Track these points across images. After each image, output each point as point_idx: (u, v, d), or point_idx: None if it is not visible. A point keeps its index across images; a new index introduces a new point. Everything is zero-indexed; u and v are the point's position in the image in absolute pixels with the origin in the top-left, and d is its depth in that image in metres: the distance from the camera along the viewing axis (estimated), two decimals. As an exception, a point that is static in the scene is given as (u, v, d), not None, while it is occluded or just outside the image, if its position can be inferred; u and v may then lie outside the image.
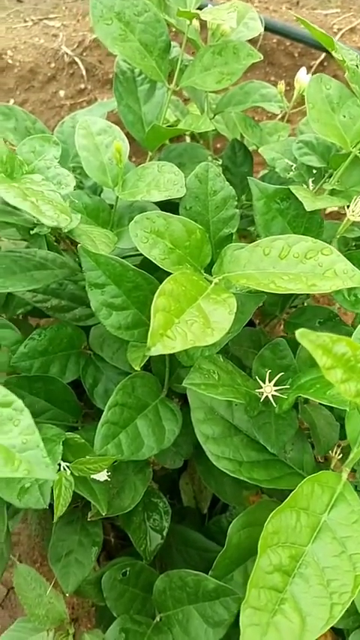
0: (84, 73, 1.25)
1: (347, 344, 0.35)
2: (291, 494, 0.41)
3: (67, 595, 0.62)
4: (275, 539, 0.39)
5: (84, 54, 1.26)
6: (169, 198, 0.61)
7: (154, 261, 0.53)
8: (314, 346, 0.34)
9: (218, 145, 1.21)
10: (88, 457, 0.54)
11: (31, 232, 0.64)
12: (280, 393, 0.51)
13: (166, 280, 0.47)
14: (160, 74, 0.72)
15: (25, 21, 1.42)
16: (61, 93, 1.25)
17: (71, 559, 0.63)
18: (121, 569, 0.63)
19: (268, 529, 0.39)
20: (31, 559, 0.88)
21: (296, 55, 1.28)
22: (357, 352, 0.35)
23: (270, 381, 0.51)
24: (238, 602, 0.55)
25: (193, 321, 0.46)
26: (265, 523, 0.39)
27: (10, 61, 1.23)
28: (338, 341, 0.35)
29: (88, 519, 0.62)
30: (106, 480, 0.60)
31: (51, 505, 0.64)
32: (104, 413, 0.57)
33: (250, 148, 0.83)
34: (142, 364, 0.62)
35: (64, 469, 0.54)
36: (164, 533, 0.67)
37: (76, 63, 1.25)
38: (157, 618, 0.61)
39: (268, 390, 0.51)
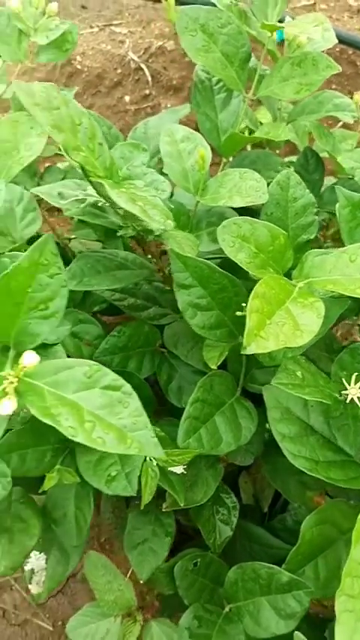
0: (149, 79, 1.28)
1: None
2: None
3: (141, 582, 0.65)
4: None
5: (149, 60, 1.30)
6: (251, 204, 0.63)
7: (240, 265, 0.55)
8: None
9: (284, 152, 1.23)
10: (172, 449, 0.57)
11: (117, 234, 0.67)
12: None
13: (258, 283, 0.49)
14: (239, 84, 0.74)
15: (91, 27, 1.47)
16: (127, 98, 1.28)
17: (146, 547, 0.66)
18: (192, 560, 0.66)
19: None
20: (102, 546, 0.92)
21: (358, 63, 1.29)
22: None
23: (355, 384, 0.53)
24: (309, 595, 0.57)
25: (283, 323, 0.48)
26: (359, 517, 0.41)
27: (78, 67, 1.28)
28: None
29: (163, 510, 0.65)
30: (182, 473, 0.62)
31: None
32: (187, 408, 0.59)
33: (321, 155, 0.84)
34: (219, 363, 0.65)
35: (150, 460, 0.57)
36: (233, 527, 0.69)
37: (142, 69, 1.29)
38: (227, 609, 0.63)
39: (354, 392, 0.52)
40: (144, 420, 0.46)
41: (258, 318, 0.47)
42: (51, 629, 0.93)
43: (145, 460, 0.57)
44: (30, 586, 0.64)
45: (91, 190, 0.65)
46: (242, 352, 0.46)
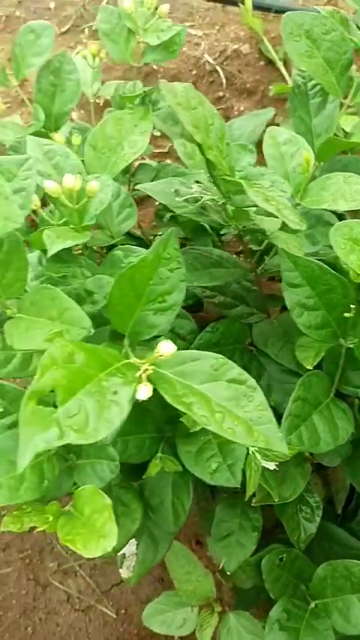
0: (224, 81, 1.30)
1: None
2: None
3: (228, 573, 0.67)
4: None
5: (224, 63, 1.31)
6: (356, 208, 0.64)
7: (350, 266, 0.57)
8: None
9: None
10: (275, 445, 0.58)
11: (221, 232, 0.69)
12: None
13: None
14: (338, 90, 0.75)
15: (163, 29, 1.49)
16: (200, 99, 1.30)
17: (232, 540, 0.68)
18: (279, 555, 0.67)
19: None
20: (185, 537, 0.93)
21: None
22: None
23: None
24: None
25: None
26: None
27: (154, 67, 1.30)
28: None
29: (253, 504, 0.66)
30: (275, 470, 0.64)
31: (211, 488, 0.69)
32: (289, 405, 0.60)
33: None
34: (315, 364, 0.66)
35: (253, 454, 0.58)
36: (316, 526, 0.70)
37: (217, 71, 1.30)
38: (312, 605, 0.64)
39: None
40: (269, 415, 0.47)
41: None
42: (114, 616, 0.95)
43: (247, 453, 0.58)
44: (121, 570, 0.66)
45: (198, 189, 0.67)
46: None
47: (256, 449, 0.59)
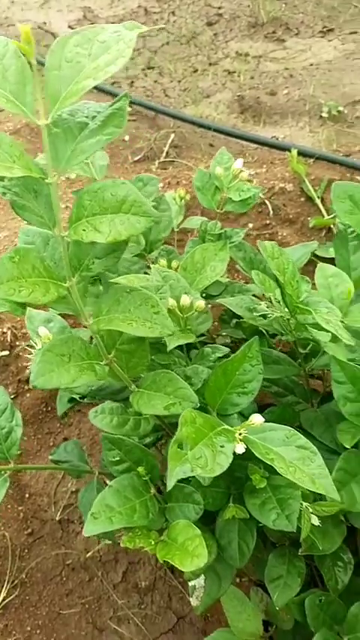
0: (270, 212, 1.58)
1: None
2: None
3: (278, 608, 0.83)
4: None
5: (272, 198, 1.60)
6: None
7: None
8: None
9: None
10: (323, 502, 0.77)
11: (282, 337, 0.91)
12: None
13: None
14: (373, 237, 1.00)
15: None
16: (250, 225, 1.58)
17: (281, 582, 0.85)
18: (318, 597, 0.84)
19: None
20: (240, 581, 1.09)
21: None
22: None
23: None
24: None
25: None
26: None
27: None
28: None
29: (300, 553, 0.84)
30: (319, 526, 0.82)
31: (264, 537, 0.87)
32: (334, 473, 0.80)
33: None
34: (353, 444, 0.86)
35: (306, 507, 0.77)
36: (348, 577, 0.87)
37: (265, 204, 1.59)
38: (346, 638, 0.80)
39: None
40: (326, 472, 0.68)
41: None
42: (163, 661, 1.09)
43: (302, 507, 0.77)
44: (191, 599, 0.83)
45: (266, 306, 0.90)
46: None
47: (308, 506, 0.78)
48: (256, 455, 0.66)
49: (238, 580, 1.10)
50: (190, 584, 0.84)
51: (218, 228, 1.06)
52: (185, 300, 0.79)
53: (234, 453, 0.66)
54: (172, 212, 1.16)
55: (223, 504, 0.83)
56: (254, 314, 0.87)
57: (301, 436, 0.69)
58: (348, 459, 0.83)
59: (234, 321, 1.10)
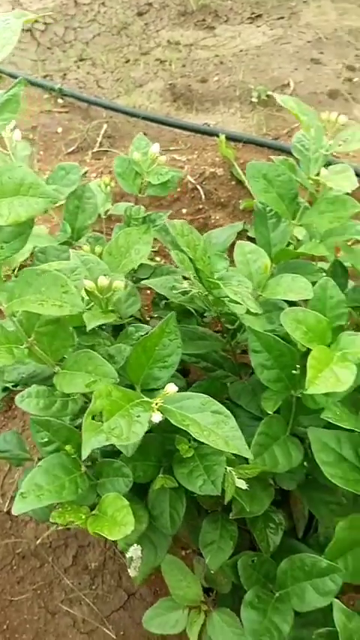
0: (203, 197, 1.61)
1: None
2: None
3: (212, 572, 0.87)
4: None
5: (204, 183, 1.64)
6: (300, 298, 0.91)
7: (296, 339, 0.82)
8: None
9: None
10: (245, 465, 0.81)
11: (204, 315, 0.94)
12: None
13: (314, 350, 0.76)
14: (288, 214, 1.04)
15: (154, 152, 1.83)
16: (184, 210, 1.61)
17: (215, 547, 0.88)
18: (251, 558, 0.88)
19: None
20: (176, 550, 1.12)
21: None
22: None
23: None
24: (342, 577, 0.79)
25: (329, 376, 0.74)
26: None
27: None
28: None
29: (231, 517, 0.88)
30: (247, 490, 0.86)
31: (198, 506, 0.91)
32: (255, 437, 0.84)
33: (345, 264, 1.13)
34: (274, 410, 0.90)
35: (230, 472, 0.81)
36: (279, 538, 0.91)
37: (197, 189, 1.62)
38: (277, 594, 0.85)
39: (375, 425, 0.78)
40: (239, 434, 0.71)
41: (313, 372, 0.73)
42: (114, 637, 1.11)
43: (226, 472, 0.81)
44: (129, 570, 0.86)
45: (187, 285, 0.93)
46: (304, 392, 0.72)
47: (232, 470, 0.81)
48: (172, 422, 0.70)
49: (183, 553, 1.14)
50: (128, 555, 0.86)
51: (142, 213, 1.08)
52: (103, 281, 0.81)
53: (165, 428, 0.69)
54: (97, 199, 1.18)
55: (154, 476, 0.87)
56: (174, 292, 0.90)
57: (216, 402, 0.73)
58: (269, 423, 0.87)
59: (163, 302, 1.12)
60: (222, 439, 0.69)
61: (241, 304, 0.80)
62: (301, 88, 2.12)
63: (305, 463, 0.92)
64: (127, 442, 0.64)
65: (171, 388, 0.71)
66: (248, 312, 0.94)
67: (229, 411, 0.72)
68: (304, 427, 0.89)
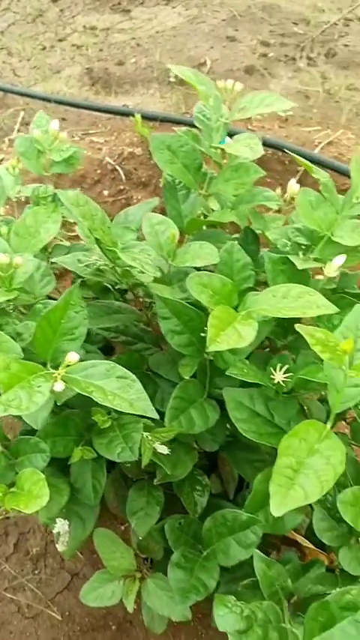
0: (123, 177, 1.61)
1: (324, 334, 0.65)
2: (295, 427, 0.69)
3: (141, 538, 0.88)
4: (287, 451, 0.67)
5: (123, 163, 1.63)
6: (207, 264, 0.92)
7: (202, 302, 0.84)
8: (310, 336, 0.65)
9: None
10: (160, 428, 0.82)
11: (116, 287, 0.95)
12: (285, 380, 0.81)
13: (215, 309, 0.77)
14: (195, 184, 1.05)
15: (73, 137, 1.82)
16: (105, 192, 1.61)
17: (142, 513, 0.90)
18: (178, 520, 0.89)
19: (283, 445, 0.67)
20: (108, 523, 1.12)
21: (286, 162, 1.66)
22: (331, 338, 0.65)
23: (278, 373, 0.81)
24: (263, 528, 0.81)
25: (232, 334, 0.76)
26: (281, 441, 0.67)
27: (66, 169, 1.60)
28: (320, 331, 0.65)
29: (155, 483, 0.89)
30: (168, 455, 0.87)
31: (125, 477, 0.91)
32: (170, 401, 0.85)
33: (257, 232, 1.15)
34: (191, 374, 0.92)
35: (147, 437, 0.82)
36: (206, 500, 0.93)
37: (117, 170, 1.62)
38: (204, 553, 0.86)
39: (279, 377, 0.80)
40: (144, 396, 0.72)
41: (215, 330, 0.75)
42: (60, 618, 1.12)
43: (142, 437, 0.82)
44: (57, 545, 0.86)
45: (95, 258, 0.93)
46: (206, 350, 0.74)
47: (148, 435, 0.83)
48: (77, 390, 0.70)
49: (122, 528, 1.15)
50: (55, 531, 0.87)
51: (49, 192, 1.07)
52: (2, 258, 0.81)
53: (88, 403, 0.70)
54: (6, 182, 1.16)
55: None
56: (79, 265, 0.90)
57: (121, 368, 0.74)
58: (185, 387, 0.88)
59: (79, 280, 1.12)
60: (127, 402, 0.70)
61: (142, 272, 0.80)
62: (217, 65, 2.13)
63: (228, 425, 0.94)
64: (28, 412, 0.64)
65: (72, 357, 0.71)
66: (156, 280, 0.95)
67: (134, 375, 0.73)
68: (219, 389, 0.91)
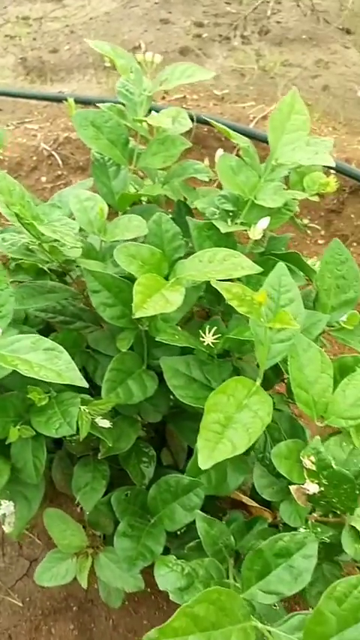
0: (60, 163, 1.60)
1: (241, 288, 0.66)
2: (222, 384, 0.70)
3: (87, 512, 0.88)
4: (215, 407, 0.68)
5: (59, 148, 1.62)
6: (137, 236, 0.92)
7: (132, 273, 0.84)
8: (227, 291, 0.66)
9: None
10: (97, 400, 0.83)
11: (46, 266, 0.94)
12: (215, 341, 0.82)
13: (140, 278, 0.78)
14: (123, 160, 1.05)
15: (8, 125, 1.79)
16: (43, 179, 1.59)
17: (88, 488, 0.90)
18: (124, 492, 0.90)
19: (210, 402, 0.68)
20: (64, 506, 1.12)
21: (222, 139, 1.66)
22: (247, 292, 0.66)
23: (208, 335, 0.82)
24: (204, 490, 0.82)
25: (159, 300, 0.76)
26: (208, 399, 0.68)
27: (0, 157, 1.58)
28: (237, 286, 0.66)
29: (99, 457, 0.89)
30: (110, 428, 0.88)
31: (72, 456, 0.91)
32: (106, 374, 0.85)
33: (192, 206, 1.16)
34: (128, 347, 0.92)
35: (84, 411, 0.82)
36: (153, 471, 0.94)
37: (53, 156, 1.60)
38: (152, 520, 0.87)
39: (208, 339, 0.81)
40: (72, 366, 0.72)
41: (141, 296, 0.75)
42: (21, 604, 1.11)
43: (80, 411, 0.82)
44: (4, 527, 0.86)
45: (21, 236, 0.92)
46: (133, 316, 0.74)
47: (85, 408, 0.83)
48: (2, 364, 0.70)
49: (78, 509, 1.15)
50: (0, 513, 0.86)
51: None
52: None
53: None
54: None
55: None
56: (4, 244, 0.89)
57: (47, 340, 0.74)
58: (121, 359, 0.88)
59: (13, 264, 1.11)
60: (54, 372, 0.70)
61: (63, 244, 0.80)
62: (152, 48, 2.12)
63: (172, 397, 0.95)
64: None
65: (-5, 332, 0.70)
66: (89, 256, 0.95)
67: (61, 347, 0.73)
68: (156, 360, 0.92)
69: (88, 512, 0.89)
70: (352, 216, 1.48)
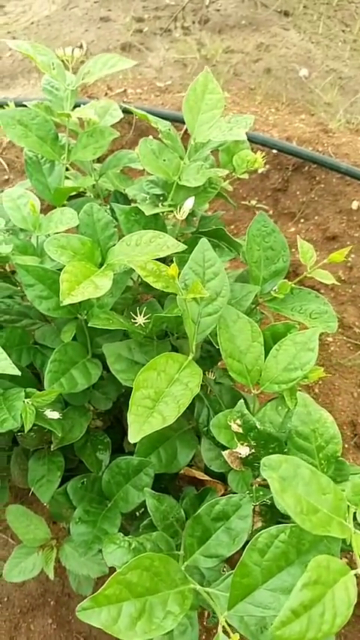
0: (6, 167, 1.60)
1: (155, 265, 0.67)
2: (151, 360, 0.71)
3: (45, 504, 0.89)
4: (144, 383, 0.69)
5: (4, 153, 1.62)
6: (69, 227, 0.93)
7: (63, 264, 0.85)
8: (141, 269, 0.67)
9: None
10: (40, 392, 0.84)
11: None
12: (146, 321, 0.83)
13: (66, 266, 0.79)
14: (55, 155, 1.06)
15: None
16: (-9, 185, 1.60)
17: (44, 480, 0.91)
18: (80, 480, 0.91)
19: (139, 378, 0.69)
20: (34, 505, 1.13)
21: (166, 129, 1.67)
22: (161, 267, 0.67)
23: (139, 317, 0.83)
24: (156, 469, 0.84)
25: (87, 286, 0.77)
26: (137, 376, 0.70)
27: None
28: (151, 263, 0.67)
29: (52, 449, 0.90)
30: (59, 419, 0.89)
31: (26, 452, 0.92)
32: (48, 366, 0.86)
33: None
34: (71, 338, 0.93)
35: (28, 403, 0.83)
36: (108, 457, 0.95)
37: (-1, 161, 1.61)
38: (108, 505, 0.88)
39: (140, 320, 0.82)
40: (4, 356, 0.73)
41: (69, 284, 0.76)
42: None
43: (24, 403, 0.83)
44: None
45: None
46: (60, 304, 0.75)
47: (29, 400, 0.84)
48: None
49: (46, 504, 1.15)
50: None
51: None
52: None
53: None
54: None
55: None
56: None
57: (-22, 336, 0.75)
58: (64, 350, 0.89)
59: None
60: (-13, 365, 0.71)
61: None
62: (94, 47, 2.13)
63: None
64: None
65: None
66: (25, 253, 0.96)
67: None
68: (99, 348, 0.93)
69: (46, 504, 0.90)
70: (298, 193, 1.49)
